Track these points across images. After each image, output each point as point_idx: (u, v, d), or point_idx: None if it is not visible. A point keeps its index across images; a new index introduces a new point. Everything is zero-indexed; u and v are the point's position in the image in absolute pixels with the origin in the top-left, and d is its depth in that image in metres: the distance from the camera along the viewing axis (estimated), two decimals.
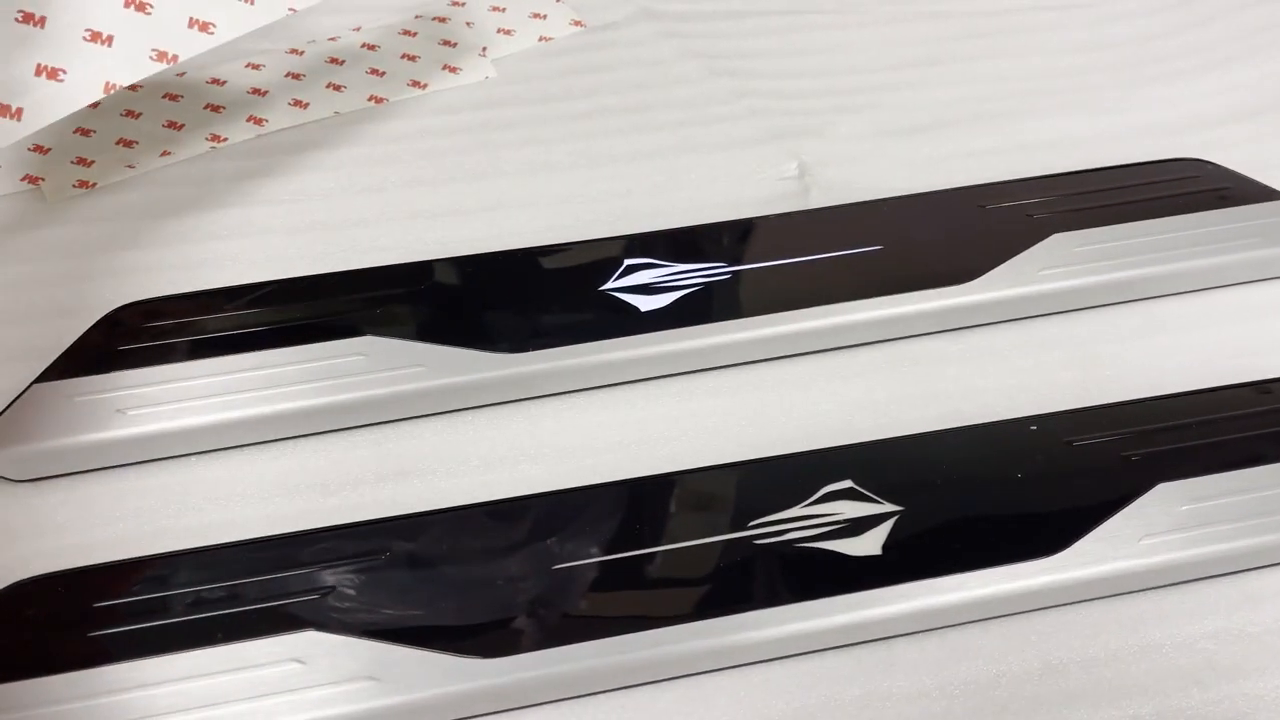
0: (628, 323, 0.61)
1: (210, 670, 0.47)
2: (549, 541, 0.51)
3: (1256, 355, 0.63)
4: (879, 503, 0.53)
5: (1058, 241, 0.66)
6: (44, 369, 0.57)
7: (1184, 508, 0.53)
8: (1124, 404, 0.58)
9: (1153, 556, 0.52)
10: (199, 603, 0.49)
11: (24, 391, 0.56)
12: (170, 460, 0.57)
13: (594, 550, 0.51)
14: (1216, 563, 0.53)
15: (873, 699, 0.49)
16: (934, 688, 0.50)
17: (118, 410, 0.56)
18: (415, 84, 0.81)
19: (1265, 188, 0.70)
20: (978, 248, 0.66)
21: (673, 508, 0.54)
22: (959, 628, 0.51)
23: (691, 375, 0.61)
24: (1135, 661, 0.50)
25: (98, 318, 0.60)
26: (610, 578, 0.51)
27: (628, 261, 0.64)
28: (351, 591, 0.49)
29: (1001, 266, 0.65)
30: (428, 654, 0.48)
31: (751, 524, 0.52)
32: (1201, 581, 0.53)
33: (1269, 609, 0.52)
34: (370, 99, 0.79)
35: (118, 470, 0.57)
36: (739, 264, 0.64)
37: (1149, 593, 0.53)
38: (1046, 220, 0.67)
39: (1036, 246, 0.66)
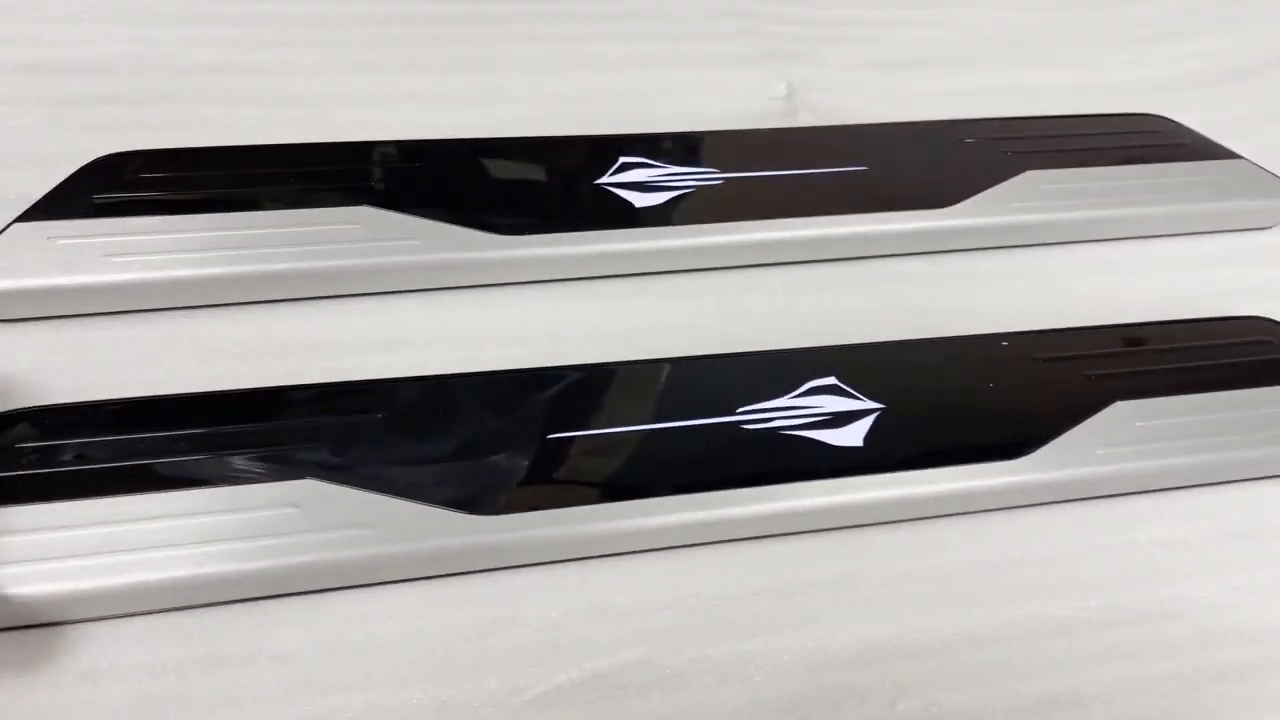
0: (622, 217, 0.62)
1: (206, 509, 0.47)
2: (543, 412, 0.52)
3: (1203, 299, 0.67)
4: (861, 399, 0.55)
5: (1030, 178, 0.69)
6: (24, 210, 0.56)
7: (1137, 424, 0.57)
8: (1088, 328, 0.62)
9: (1106, 466, 0.55)
10: (193, 445, 0.49)
11: (3, 230, 0.55)
12: (155, 312, 0.56)
13: (588, 423, 0.52)
14: (1162, 477, 0.57)
15: (848, 580, 0.52)
16: (904, 573, 0.52)
17: (104, 255, 0.54)
18: None
19: (1220, 146, 0.74)
20: (956, 177, 0.68)
21: (664, 390, 0.55)
22: (929, 521, 0.54)
23: (682, 274, 0.63)
24: (1087, 561, 0.54)
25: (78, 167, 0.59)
26: (602, 450, 0.52)
27: (623, 159, 0.65)
28: (349, 445, 0.50)
29: (977, 196, 0.67)
30: (423, 507, 0.48)
31: (739, 410, 0.54)
32: (1149, 494, 0.57)
33: (1205, 523, 0.57)
34: None
35: (98, 318, 0.55)
36: (730, 171, 0.66)
37: (1101, 500, 0.56)
38: (1020, 157, 0.70)
39: (1010, 181, 0.68)
